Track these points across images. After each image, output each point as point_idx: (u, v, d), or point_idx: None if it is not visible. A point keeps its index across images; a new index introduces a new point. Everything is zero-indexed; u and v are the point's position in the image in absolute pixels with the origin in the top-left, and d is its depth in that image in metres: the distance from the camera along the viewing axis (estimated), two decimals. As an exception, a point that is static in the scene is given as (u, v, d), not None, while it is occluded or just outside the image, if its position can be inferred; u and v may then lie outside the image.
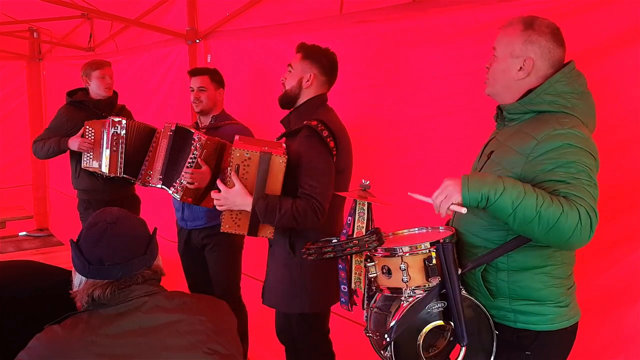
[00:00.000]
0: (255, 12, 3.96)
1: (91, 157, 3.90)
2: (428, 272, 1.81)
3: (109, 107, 4.14)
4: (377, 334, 1.93)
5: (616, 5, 2.15)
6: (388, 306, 1.92)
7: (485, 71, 1.95)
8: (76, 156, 4.05)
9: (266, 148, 2.41)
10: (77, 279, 1.56)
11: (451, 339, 1.85)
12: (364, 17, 3.12)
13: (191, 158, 3.08)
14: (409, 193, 1.80)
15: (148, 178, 3.75)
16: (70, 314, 1.51)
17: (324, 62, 2.62)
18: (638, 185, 2.11)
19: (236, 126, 3.38)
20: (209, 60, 4.44)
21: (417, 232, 2.08)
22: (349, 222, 2.01)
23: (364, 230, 1.97)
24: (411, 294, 1.82)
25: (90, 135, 3.87)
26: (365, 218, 1.99)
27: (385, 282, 1.89)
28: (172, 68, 4.90)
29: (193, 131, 3.15)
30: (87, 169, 3.94)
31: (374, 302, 1.99)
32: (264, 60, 3.90)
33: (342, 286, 2.05)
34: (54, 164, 7.47)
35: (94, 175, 3.98)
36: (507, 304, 1.83)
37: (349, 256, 2.00)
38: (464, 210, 1.66)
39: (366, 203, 1.99)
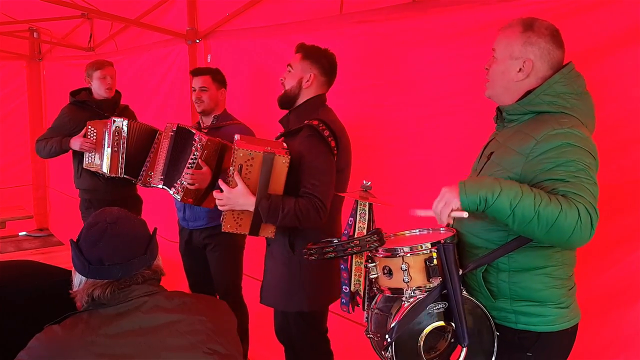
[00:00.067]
0: (255, 12, 3.96)
1: (93, 157, 3.91)
2: (429, 272, 1.81)
3: (111, 107, 4.14)
4: (378, 335, 1.93)
5: (616, 5, 2.14)
6: (389, 307, 1.92)
7: (484, 72, 1.95)
8: (78, 156, 4.06)
9: (269, 148, 2.41)
10: (77, 279, 1.56)
11: (452, 340, 1.85)
12: (364, 17, 3.12)
13: (192, 159, 3.08)
14: (410, 211, 1.80)
15: (149, 179, 3.76)
16: (70, 314, 1.51)
17: (323, 62, 2.62)
18: (638, 185, 2.11)
19: (238, 126, 3.37)
20: (209, 60, 4.44)
21: (418, 233, 2.08)
22: (350, 223, 2.01)
23: (365, 231, 1.98)
24: (412, 294, 1.82)
25: (92, 135, 3.88)
26: (367, 219, 1.99)
27: (386, 282, 1.89)
28: (172, 68, 4.90)
29: (194, 132, 3.15)
30: (88, 168, 3.95)
31: (375, 303, 1.99)
32: (264, 60, 3.89)
33: (344, 287, 2.05)
34: (54, 164, 7.47)
35: (96, 175, 3.99)
36: (508, 305, 1.83)
37: (349, 258, 2.00)
38: (465, 214, 1.66)
39: (367, 204, 2.00)
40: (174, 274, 4.14)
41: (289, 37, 3.53)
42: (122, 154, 3.76)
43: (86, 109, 4.13)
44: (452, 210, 1.66)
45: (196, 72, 3.49)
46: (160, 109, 5.00)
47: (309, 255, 2.00)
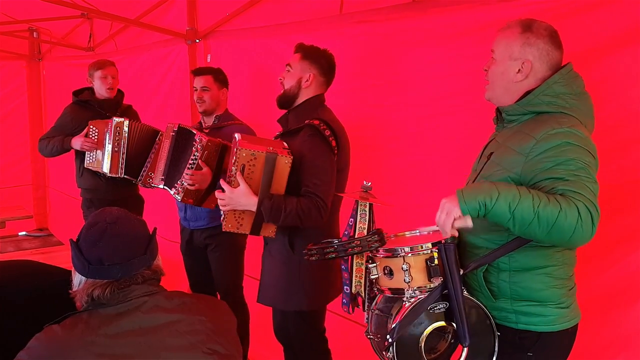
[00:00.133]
0: (255, 12, 3.96)
1: (94, 156, 3.92)
2: (430, 272, 1.81)
3: (113, 107, 4.14)
4: (378, 335, 1.93)
5: (616, 5, 2.15)
6: (389, 308, 1.92)
7: (484, 73, 1.96)
8: (80, 155, 4.06)
9: (271, 148, 2.41)
10: (77, 279, 1.56)
11: (452, 341, 1.85)
12: (364, 17, 3.12)
13: (192, 159, 3.08)
14: (418, 231, 1.82)
15: (149, 180, 3.77)
16: (69, 313, 1.51)
17: (322, 62, 2.63)
18: (638, 185, 2.11)
19: (239, 126, 3.37)
20: (208, 60, 4.44)
21: (418, 233, 2.08)
22: (350, 224, 2.01)
23: (365, 232, 1.98)
24: (413, 294, 1.82)
25: (93, 135, 3.89)
26: (367, 219, 1.99)
27: (386, 283, 1.89)
28: (172, 68, 4.90)
29: (195, 132, 3.15)
30: (89, 168, 3.96)
31: (375, 304, 1.99)
32: (263, 60, 3.89)
33: (345, 287, 2.05)
34: (53, 164, 7.47)
35: (97, 174, 3.99)
36: (509, 304, 1.83)
37: (350, 258, 2.00)
38: (469, 224, 1.67)
39: (368, 204, 2.00)
40: (174, 274, 4.14)
41: (289, 37, 3.53)
42: (123, 154, 3.77)
43: (88, 108, 4.13)
44: (454, 220, 1.67)
45: (198, 72, 3.48)
46: (160, 109, 5.00)
47: (310, 255, 2.00)
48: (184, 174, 3.10)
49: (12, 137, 7.59)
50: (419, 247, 1.83)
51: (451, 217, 1.66)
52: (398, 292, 1.86)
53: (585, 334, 1.94)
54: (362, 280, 1.99)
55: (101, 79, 4.11)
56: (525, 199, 1.59)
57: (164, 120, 4.09)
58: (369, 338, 1.97)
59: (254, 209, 2.42)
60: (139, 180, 3.87)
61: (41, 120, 7.74)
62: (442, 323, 1.81)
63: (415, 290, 1.82)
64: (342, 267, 2.06)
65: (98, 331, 1.44)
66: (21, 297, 1.82)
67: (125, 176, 3.82)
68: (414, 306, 1.78)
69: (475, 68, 2.09)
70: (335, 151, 2.49)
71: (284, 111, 2.71)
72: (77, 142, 3.94)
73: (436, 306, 1.79)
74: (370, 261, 1.94)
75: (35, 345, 1.44)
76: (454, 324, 1.79)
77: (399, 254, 1.84)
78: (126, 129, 3.76)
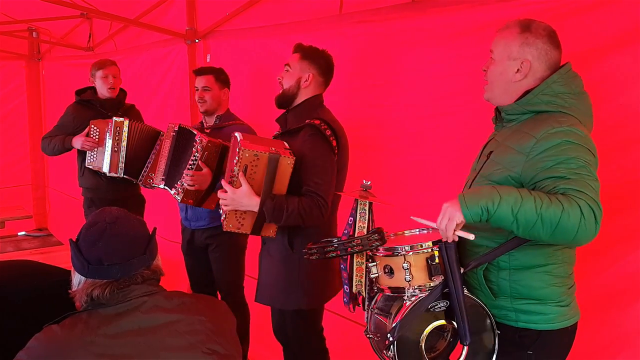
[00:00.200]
0: (255, 12, 3.96)
1: (94, 156, 3.92)
2: (431, 271, 1.81)
3: (115, 106, 4.14)
4: (378, 335, 1.92)
5: (616, 6, 2.15)
6: (389, 307, 1.92)
7: (483, 73, 1.96)
8: (82, 154, 4.07)
9: (273, 148, 2.42)
10: (76, 279, 1.56)
11: (451, 339, 1.85)
12: (364, 17, 3.12)
13: (192, 160, 3.08)
14: (411, 217, 1.82)
15: (150, 180, 3.77)
16: (69, 313, 1.50)
17: (321, 63, 2.64)
18: (638, 185, 2.11)
19: (241, 126, 3.36)
20: (208, 60, 4.44)
21: (417, 233, 2.08)
22: (350, 223, 2.01)
23: (365, 231, 1.98)
24: (414, 293, 1.82)
25: (94, 134, 3.89)
26: (367, 218, 1.99)
27: (386, 281, 1.89)
28: (171, 68, 4.90)
29: (195, 132, 3.15)
30: (90, 167, 3.96)
31: (375, 303, 1.99)
32: (263, 60, 3.89)
33: (345, 286, 2.05)
34: (53, 164, 7.47)
35: (98, 174, 3.98)
36: (509, 303, 1.83)
37: (349, 257, 2.00)
38: (471, 236, 1.67)
39: (367, 203, 2.00)
40: (174, 274, 4.14)
41: (289, 37, 3.52)
42: (122, 154, 3.78)
43: (90, 108, 4.13)
44: (456, 226, 1.67)
45: (199, 72, 3.47)
46: (159, 109, 5.00)
47: (310, 254, 1.99)
48: (183, 175, 3.10)
49: (11, 137, 7.59)
50: (420, 246, 1.83)
51: (453, 223, 1.67)
52: (398, 291, 1.86)
53: (585, 333, 1.94)
54: (363, 280, 1.99)
55: (102, 79, 4.11)
56: (528, 201, 1.59)
57: (163, 120, 4.09)
58: (369, 337, 1.97)
59: (256, 209, 2.42)
60: (140, 181, 3.87)
61: (40, 120, 7.74)
62: (443, 322, 1.81)
63: (416, 289, 1.82)
64: (341, 266, 2.06)
65: (97, 331, 1.44)
66: (20, 297, 1.82)
67: (124, 176, 3.82)
68: (415, 305, 1.78)
69: (475, 68, 2.09)
70: (336, 151, 2.50)
71: (283, 111, 2.71)
72: (77, 142, 3.94)
73: (437, 305, 1.79)
74: (370, 260, 1.94)
75: (35, 345, 1.44)
76: (454, 323, 1.79)
77: (399, 252, 1.84)
78: (126, 129, 3.77)
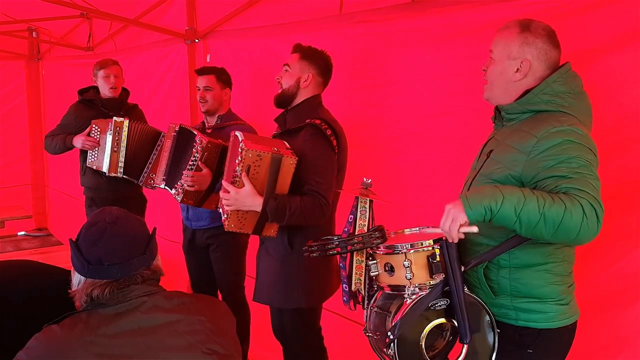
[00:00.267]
0: (255, 12, 3.96)
1: (95, 155, 3.92)
2: (432, 269, 1.81)
3: (117, 106, 4.14)
4: (377, 333, 1.92)
5: (616, 6, 2.15)
6: (388, 305, 1.92)
7: (483, 73, 1.96)
8: (84, 154, 4.08)
9: (275, 149, 2.43)
10: (76, 279, 1.56)
11: (450, 338, 1.85)
12: (364, 17, 3.12)
13: (192, 160, 3.08)
14: (417, 229, 1.83)
15: (150, 181, 3.77)
16: (69, 313, 1.50)
17: (320, 63, 2.66)
18: (638, 185, 2.11)
19: (242, 126, 3.35)
20: (208, 60, 4.44)
21: (418, 231, 2.08)
22: (350, 221, 2.01)
23: (365, 229, 1.98)
24: (414, 291, 1.82)
25: (96, 134, 3.90)
26: (367, 216, 1.99)
27: (386, 279, 1.89)
28: (171, 68, 4.89)
29: (196, 133, 3.14)
30: (91, 167, 3.96)
31: (374, 302, 1.99)
32: (263, 60, 3.89)
33: (344, 285, 2.05)
34: (53, 164, 7.47)
35: (99, 173, 3.99)
36: (509, 301, 1.83)
37: (348, 255, 2.00)
38: (475, 229, 1.66)
39: (368, 200, 2.00)
40: (174, 274, 4.14)
41: (289, 37, 3.52)
42: (122, 154, 3.78)
43: (92, 107, 4.14)
44: (460, 226, 1.67)
45: (201, 72, 3.47)
46: (159, 109, 4.99)
47: (311, 252, 1.99)
48: (183, 175, 3.10)
49: (11, 136, 7.59)
50: (421, 244, 1.83)
51: (457, 224, 1.66)
52: (398, 289, 1.86)
53: (584, 333, 1.95)
54: (362, 278, 1.99)
55: (104, 79, 4.11)
56: (530, 201, 1.59)
57: (163, 120, 4.09)
58: (368, 336, 1.97)
59: (259, 209, 2.42)
60: (140, 181, 3.87)
61: (40, 120, 7.74)
62: (443, 320, 1.81)
63: (416, 287, 1.82)
64: (341, 264, 2.06)
65: (97, 331, 1.44)
66: (20, 297, 1.82)
67: (124, 176, 3.83)
68: (415, 303, 1.78)
69: (475, 68, 2.09)
70: (336, 150, 2.52)
71: (282, 111, 2.72)
72: (78, 141, 3.95)
73: (437, 303, 1.79)
74: (370, 258, 1.94)
75: (35, 345, 1.44)
76: (455, 321, 1.79)
77: (400, 250, 1.84)
78: (126, 129, 3.77)
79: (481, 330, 1.85)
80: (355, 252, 1.97)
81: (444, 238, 1.81)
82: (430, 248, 1.83)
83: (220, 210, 2.68)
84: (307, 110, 2.61)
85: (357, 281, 1.99)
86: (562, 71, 1.83)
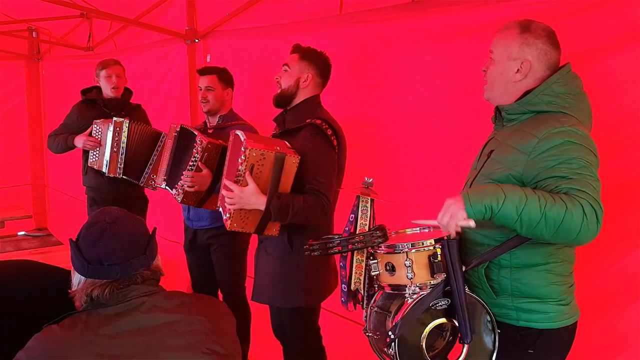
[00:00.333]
0: (255, 12, 3.96)
1: (96, 155, 3.92)
2: (433, 268, 1.81)
3: (120, 106, 4.13)
4: (378, 333, 1.92)
5: (616, 6, 2.15)
6: (388, 305, 1.92)
7: (482, 73, 1.96)
8: (86, 153, 4.08)
9: (278, 148, 2.44)
10: (76, 279, 1.56)
11: (450, 339, 1.85)
12: (364, 17, 3.12)
13: (192, 161, 3.08)
14: (412, 221, 1.82)
15: (151, 182, 3.77)
16: (69, 313, 1.50)
17: (320, 64, 2.67)
18: (638, 185, 2.11)
19: (243, 126, 3.35)
20: (208, 60, 4.44)
21: (419, 231, 2.07)
22: (351, 220, 2.01)
23: (366, 228, 1.98)
24: (415, 290, 1.82)
25: (97, 134, 3.89)
26: (368, 215, 1.99)
27: (387, 279, 1.89)
28: (171, 68, 4.89)
29: (196, 133, 3.14)
30: (92, 167, 3.96)
31: (374, 302, 1.99)
32: (263, 60, 3.89)
33: (343, 285, 2.05)
34: (53, 164, 7.47)
35: (101, 173, 3.99)
36: (510, 301, 1.83)
37: (349, 255, 2.00)
38: (472, 224, 1.66)
39: (369, 200, 2.00)
40: (174, 274, 4.14)
41: (289, 37, 3.52)
42: (122, 154, 3.78)
43: (94, 107, 4.14)
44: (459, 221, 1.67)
45: (202, 72, 3.46)
46: (159, 109, 4.99)
47: (312, 251, 1.99)
48: (183, 176, 3.10)
49: (11, 136, 7.59)
50: (423, 243, 1.83)
51: (455, 219, 1.66)
52: (399, 289, 1.86)
53: (585, 333, 1.94)
54: (362, 277, 1.99)
55: (106, 79, 4.11)
56: (532, 200, 1.59)
57: (163, 120, 4.09)
58: (368, 336, 1.97)
59: (262, 207, 2.43)
60: (141, 182, 3.87)
61: (40, 120, 7.74)
62: (444, 320, 1.81)
63: (417, 286, 1.82)
64: (341, 264, 2.06)
65: (97, 331, 1.44)
66: (20, 297, 1.82)
67: (124, 177, 3.82)
68: (416, 302, 1.78)
69: (475, 68, 2.09)
70: (336, 150, 2.53)
71: (281, 111, 2.72)
72: (79, 141, 3.96)
73: (438, 303, 1.79)
74: (371, 257, 1.93)
75: (34, 345, 1.44)
76: (455, 321, 1.79)
77: (401, 249, 1.84)
78: (126, 129, 3.77)
79: (482, 331, 1.84)
80: (355, 252, 1.97)
81: (445, 238, 1.81)
82: (431, 247, 1.82)
83: (221, 209, 2.68)
84: (306, 110, 2.62)
85: (357, 280, 1.99)
86: (562, 72, 1.84)
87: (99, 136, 3.88)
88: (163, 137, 3.82)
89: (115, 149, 3.78)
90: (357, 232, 1.98)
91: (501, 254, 1.80)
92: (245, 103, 3.98)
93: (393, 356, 1.78)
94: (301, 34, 3.38)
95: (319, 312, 2.81)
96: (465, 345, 1.79)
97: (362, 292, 2.00)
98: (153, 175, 3.77)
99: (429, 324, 1.80)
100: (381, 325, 1.92)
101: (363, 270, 1.98)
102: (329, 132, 2.50)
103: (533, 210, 1.59)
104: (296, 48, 2.70)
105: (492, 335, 1.84)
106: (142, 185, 3.93)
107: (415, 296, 1.80)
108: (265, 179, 2.42)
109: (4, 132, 7.47)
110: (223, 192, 2.52)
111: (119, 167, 3.80)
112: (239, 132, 2.57)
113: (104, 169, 3.82)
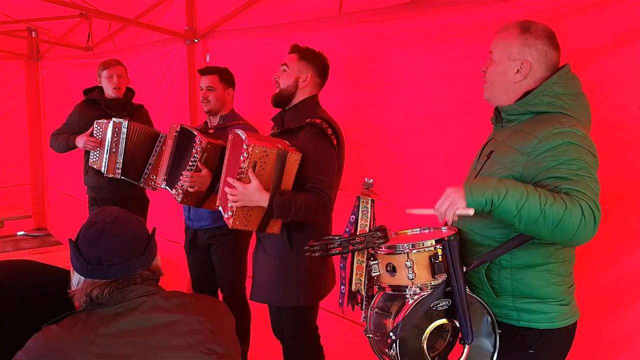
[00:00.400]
0: (254, 12, 3.96)
1: (97, 155, 3.92)
2: (434, 269, 1.81)
3: (121, 106, 4.13)
4: (378, 334, 1.92)
5: (616, 6, 2.15)
6: (389, 306, 1.92)
7: (482, 74, 1.96)
8: (88, 153, 4.08)
9: (279, 145, 2.45)
10: (76, 279, 1.55)
11: (450, 339, 1.85)
12: (363, 17, 3.12)
13: (191, 161, 3.08)
14: (406, 210, 1.80)
15: (151, 182, 3.76)
16: (68, 313, 1.50)
17: (318, 64, 2.68)
18: (638, 185, 2.11)
19: (244, 126, 3.35)
20: (207, 60, 4.43)
21: (419, 232, 2.07)
22: (352, 221, 2.01)
23: (367, 229, 1.97)
24: (416, 291, 1.81)
25: (98, 134, 3.89)
26: (369, 216, 1.99)
27: (388, 280, 1.89)
28: (170, 68, 4.89)
29: (196, 133, 3.14)
30: (93, 167, 3.96)
31: (374, 303, 1.98)
32: (262, 60, 3.89)
33: (342, 287, 2.05)
34: (52, 164, 7.46)
35: (102, 173, 3.99)
36: (510, 302, 1.83)
37: (350, 256, 2.00)
38: (471, 212, 1.66)
39: (370, 200, 1.99)
40: (174, 274, 4.14)
41: (288, 37, 3.52)
42: (120, 155, 3.78)
43: (96, 107, 4.14)
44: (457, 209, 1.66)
45: (204, 72, 3.46)
46: (159, 109, 4.99)
47: (312, 252, 1.99)
48: (183, 176, 3.09)
49: (10, 136, 7.59)
50: (423, 244, 1.83)
51: (454, 208, 1.66)
52: (399, 289, 1.86)
53: (584, 333, 1.94)
54: (363, 278, 1.98)
55: (107, 79, 4.11)
56: (532, 197, 1.60)
57: (163, 120, 4.09)
58: (368, 337, 1.97)
59: (265, 204, 2.43)
60: (141, 183, 3.87)
61: (40, 120, 7.74)
62: (444, 320, 1.81)
63: (417, 287, 1.82)
64: (341, 265, 2.06)
65: (96, 331, 1.44)
66: (19, 297, 1.82)
67: (122, 177, 3.82)
68: (417, 303, 1.77)
69: (475, 68, 2.09)
70: (336, 149, 2.55)
71: (279, 110, 2.73)
72: (80, 141, 3.96)
73: (439, 303, 1.79)
74: (371, 258, 1.93)
75: (34, 345, 1.43)
76: (456, 322, 1.79)
77: (402, 250, 1.84)
78: (125, 129, 3.77)
79: (482, 331, 1.84)
80: (356, 252, 1.96)
81: (446, 238, 1.81)
82: (432, 248, 1.82)
83: (221, 208, 2.68)
84: (305, 110, 2.63)
85: (358, 281, 1.99)
86: (561, 73, 1.84)
87: (100, 136, 3.88)
88: (161, 137, 3.82)
89: (114, 150, 3.77)
90: (357, 233, 1.97)
91: (502, 255, 1.80)
92: (244, 103, 3.97)
93: (394, 357, 1.77)
94: (301, 34, 3.38)
95: (317, 311, 2.81)
96: (466, 346, 1.79)
97: (362, 292, 2.00)
98: (153, 176, 3.77)
99: (430, 324, 1.80)
100: (382, 326, 1.91)
101: (364, 271, 1.98)
102: (329, 131, 2.51)
103: (533, 207, 1.59)
104: (295, 48, 2.71)
105: (493, 336, 1.84)
106: (142, 185, 3.93)
107: (416, 297, 1.80)
108: (268, 176, 2.43)
109: (4, 132, 7.47)
110: (226, 189, 2.52)
111: (117, 168, 3.80)
112: (239, 131, 2.57)
113: (103, 170, 3.82)
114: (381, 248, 1.90)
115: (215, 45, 4.42)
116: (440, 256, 1.81)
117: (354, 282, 1.99)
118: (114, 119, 3.79)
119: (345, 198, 2.41)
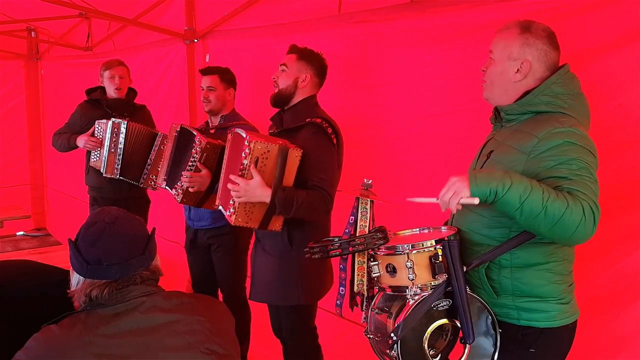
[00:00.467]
0: (254, 12, 3.96)
1: (98, 155, 3.92)
2: (434, 269, 1.80)
3: (123, 106, 4.13)
4: (379, 335, 1.92)
5: (616, 6, 2.15)
6: (389, 307, 1.92)
7: (482, 74, 1.96)
8: (89, 153, 4.07)
9: (280, 142, 2.45)
10: (75, 279, 1.55)
11: (451, 338, 1.85)
12: (363, 17, 3.12)
13: (191, 161, 3.08)
14: (407, 199, 1.80)
15: (151, 182, 3.76)
16: (67, 313, 1.50)
17: (317, 64, 2.69)
18: (638, 185, 2.11)
19: (245, 126, 3.35)
20: (207, 60, 4.43)
21: (418, 232, 2.07)
22: (351, 222, 2.00)
23: (367, 229, 1.97)
24: (417, 291, 1.81)
25: (99, 134, 3.89)
26: (368, 217, 1.99)
27: (388, 280, 1.89)
28: (170, 68, 4.89)
29: (195, 133, 3.14)
30: (93, 166, 3.96)
31: (375, 304, 1.98)
32: (262, 60, 3.89)
33: (341, 288, 2.05)
34: (52, 164, 7.46)
35: (101, 173, 3.99)
36: (511, 301, 1.83)
37: (350, 257, 2.00)
38: (476, 201, 1.65)
39: (369, 201, 1.99)
40: (174, 274, 4.14)
41: (287, 37, 3.52)
42: (119, 155, 3.78)
43: (98, 107, 4.14)
44: (461, 198, 1.66)
45: (204, 72, 3.47)
46: (158, 109, 4.99)
47: (312, 254, 1.99)
48: (182, 176, 3.09)
49: (10, 136, 7.59)
50: (423, 244, 1.83)
51: (458, 197, 1.66)
52: (400, 290, 1.86)
53: (584, 333, 1.94)
54: (364, 279, 1.98)
55: (109, 79, 4.11)
56: (536, 192, 1.60)
57: (163, 120, 4.09)
58: (369, 338, 1.97)
59: (267, 200, 2.44)
60: (141, 183, 3.87)
61: (39, 120, 7.73)
62: (445, 320, 1.81)
63: (418, 287, 1.82)
64: (340, 266, 2.06)
65: (96, 331, 1.43)
66: (19, 297, 1.82)
67: (121, 177, 3.82)
68: (418, 303, 1.77)
69: (475, 68, 2.09)
70: (336, 148, 2.56)
71: (278, 110, 2.73)
72: (81, 141, 3.96)
73: (439, 304, 1.79)
74: (371, 259, 1.93)
75: (33, 345, 1.43)
76: (457, 322, 1.79)
77: (402, 251, 1.84)
78: (124, 130, 3.77)
79: (483, 331, 1.84)
80: (356, 253, 1.96)
81: (446, 238, 1.81)
82: (432, 248, 1.82)
83: (221, 207, 2.68)
84: (305, 110, 2.63)
85: (359, 282, 1.98)
86: (561, 72, 1.84)
87: (101, 136, 3.88)
88: (159, 137, 3.82)
89: (112, 150, 3.78)
90: (357, 234, 1.97)
91: (501, 254, 1.80)
92: (244, 103, 3.97)
93: (395, 358, 1.77)
94: (300, 34, 3.38)
95: (315, 310, 2.82)
96: (467, 346, 1.79)
97: (365, 293, 2.00)
98: (153, 176, 3.76)
99: (431, 324, 1.80)
100: (382, 327, 1.91)
101: (365, 271, 1.98)
102: (329, 130, 2.53)
103: (536, 201, 1.59)
104: (293, 48, 2.72)
105: (493, 335, 1.84)
106: (142, 185, 3.93)
107: (416, 297, 1.79)
108: (269, 173, 2.44)
109: (3, 132, 7.47)
110: (228, 185, 2.51)
111: (116, 168, 3.80)
112: (239, 130, 2.58)
113: (102, 170, 3.82)
114: (381, 249, 1.90)
115: (214, 45, 4.42)
116: (440, 256, 1.81)
117: (355, 283, 1.99)
118: (113, 119, 3.79)
119: (345, 199, 2.41)
